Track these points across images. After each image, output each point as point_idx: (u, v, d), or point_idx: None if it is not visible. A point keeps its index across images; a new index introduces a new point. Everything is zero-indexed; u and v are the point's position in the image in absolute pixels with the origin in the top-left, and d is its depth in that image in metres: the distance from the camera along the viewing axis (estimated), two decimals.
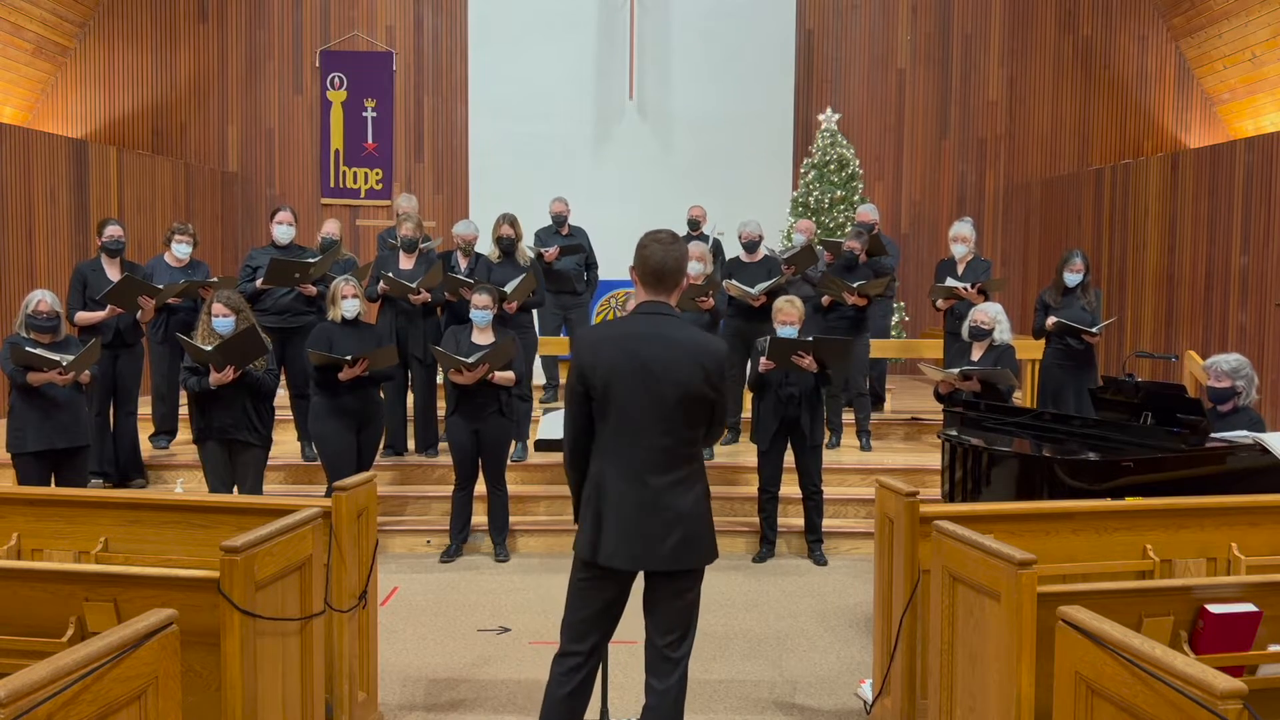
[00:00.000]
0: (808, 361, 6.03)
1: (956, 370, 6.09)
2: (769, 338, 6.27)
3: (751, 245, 7.38)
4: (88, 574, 3.12)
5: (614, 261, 7.76)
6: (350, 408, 6.02)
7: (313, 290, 6.87)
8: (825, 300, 7.42)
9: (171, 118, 11.61)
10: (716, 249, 8.19)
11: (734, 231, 7.64)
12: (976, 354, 6.30)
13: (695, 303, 6.91)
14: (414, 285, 6.86)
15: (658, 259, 3.16)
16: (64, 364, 5.46)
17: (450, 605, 5.64)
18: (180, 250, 6.99)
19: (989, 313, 6.29)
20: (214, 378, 5.44)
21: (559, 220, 8.11)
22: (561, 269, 7.99)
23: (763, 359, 6.13)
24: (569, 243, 7.99)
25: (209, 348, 5.42)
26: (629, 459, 3.15)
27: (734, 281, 7.18)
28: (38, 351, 5.45)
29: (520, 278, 6.92)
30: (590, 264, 8.34)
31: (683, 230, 8.29)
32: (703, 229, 8.34)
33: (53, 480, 5.62)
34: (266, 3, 11.62)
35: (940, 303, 7.42)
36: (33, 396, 5.51)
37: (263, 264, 6.81)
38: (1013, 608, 2.98)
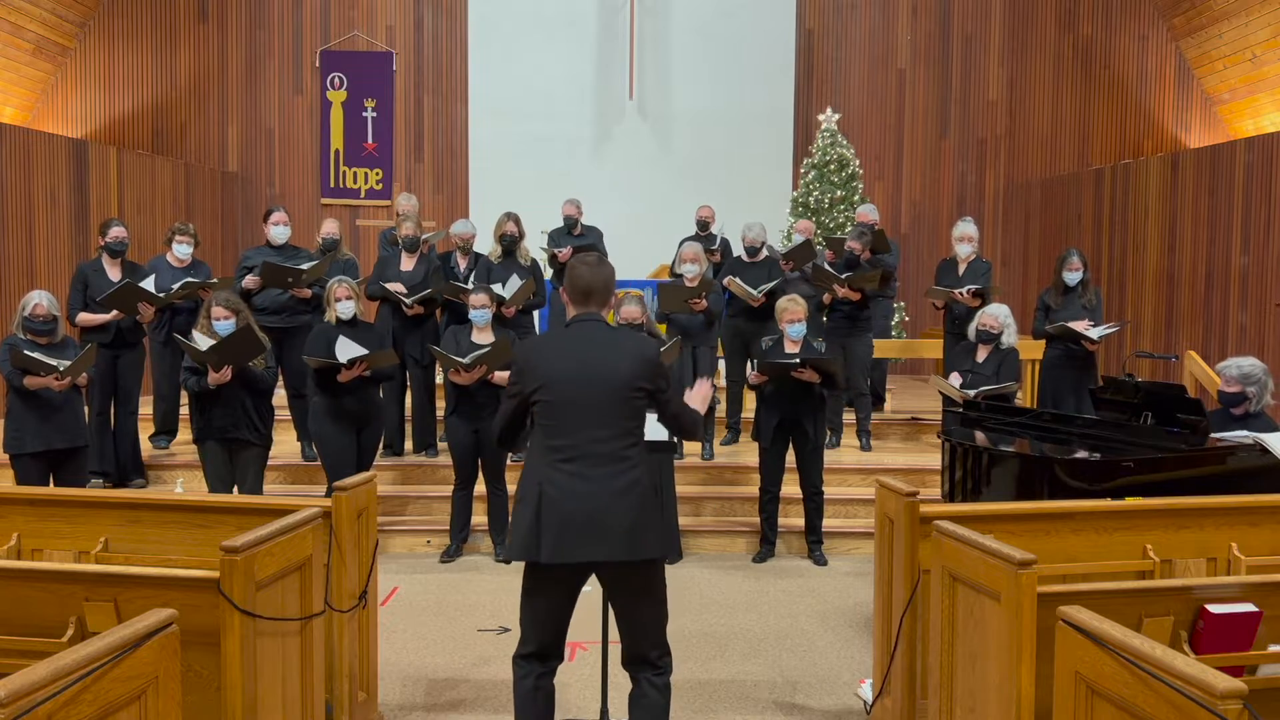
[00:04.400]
0: (807, 374, 6.02)
1: (973, 392, 6.05)
2: (767, 340, 6.27)
3: (753, 251, 7.35)
4: (88, 574, 3.12)
5: (615, 262, 7.70)
6: (350, 408, 6.01)
7: (308, 293, 6.87)
8: (826, 299, 7.41)
9: (171, 118, 11.61)
10: (725, 248, 8.15)
11: (735, 234, 7.62)
12: (982, 355, 6.29)
13: (688, 305, 6.89)
14: (409, 302, 6.88)
15: (585, 279, 3.38)
16: (60, 369, 5.46)
17: (450, 605, 5.64)
18: (181, 250, 6.98)
19: (998, 316, 6.26)
20: (212, 377, 5.43)
21: (570, 223, 8.08)
22: None
23: (753, 373, 6.12)
24: (582, 243, 7.95)
25: (206, 348, 5.42)
26: (569, 457, 3.21)
27: (737, 280, 7.16)
28: (35, 356, 5.44)
29: (520, 284, 6.91)
30: None
31: (690, 230, 8.25)
32: (711, 229, 8.30)
33: (51, 480, 5.62)
34: (266, 3, 11.62)
35: (937, 301, 7.43)
36: (30, 397, 5.51)
37: (257, 264, 6.82)
38: (1013, 608, 2.98)
